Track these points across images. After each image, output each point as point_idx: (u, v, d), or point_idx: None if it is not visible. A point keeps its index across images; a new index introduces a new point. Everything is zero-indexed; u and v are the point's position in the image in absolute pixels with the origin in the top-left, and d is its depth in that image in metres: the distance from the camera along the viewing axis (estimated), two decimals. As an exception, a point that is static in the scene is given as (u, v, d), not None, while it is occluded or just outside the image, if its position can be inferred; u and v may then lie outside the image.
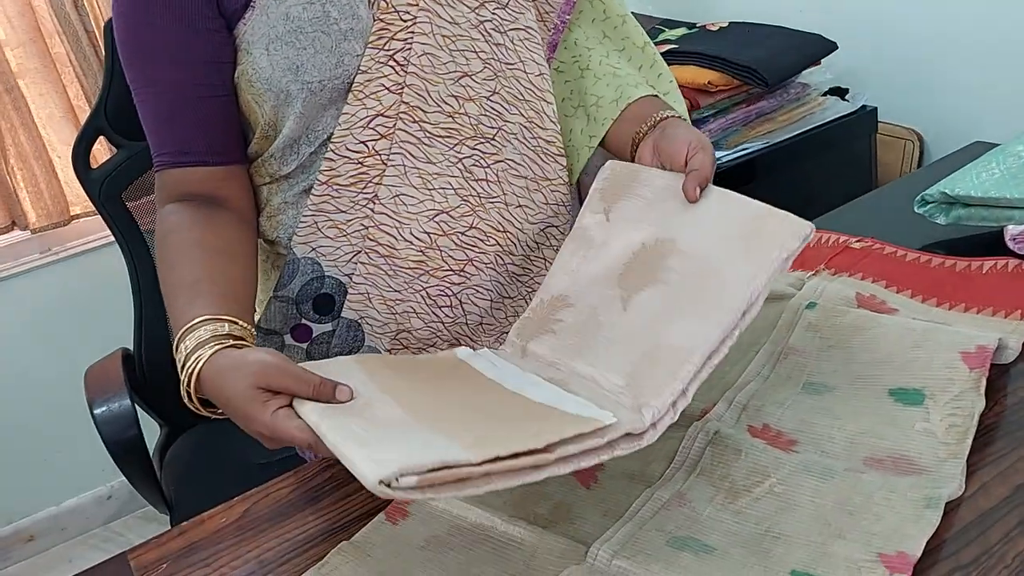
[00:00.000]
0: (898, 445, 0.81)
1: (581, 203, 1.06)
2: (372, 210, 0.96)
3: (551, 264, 0.92)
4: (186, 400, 0.80)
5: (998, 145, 1.25)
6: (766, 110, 1.75)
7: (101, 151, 1.50)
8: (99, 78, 1.94)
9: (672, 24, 1.96)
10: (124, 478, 1.31)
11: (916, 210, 1.19)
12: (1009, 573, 0.69)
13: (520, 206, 1.00)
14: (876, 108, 1.81)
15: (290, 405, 0.74)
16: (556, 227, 1.04)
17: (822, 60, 1.80)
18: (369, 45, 0.92)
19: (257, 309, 1.00)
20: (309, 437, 0.71)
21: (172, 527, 0.92)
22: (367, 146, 0.95)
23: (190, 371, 0.78)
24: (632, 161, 0.95)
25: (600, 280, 0.86)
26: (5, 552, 2.22)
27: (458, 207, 0.97)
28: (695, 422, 0.87)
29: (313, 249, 0.98)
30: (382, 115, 0.94)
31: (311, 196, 0.96)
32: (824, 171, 1.80)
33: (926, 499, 0.74)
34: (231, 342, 0.79)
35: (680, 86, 1.13)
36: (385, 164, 0.95)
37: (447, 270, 0.98)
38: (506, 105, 0.98)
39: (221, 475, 1.38)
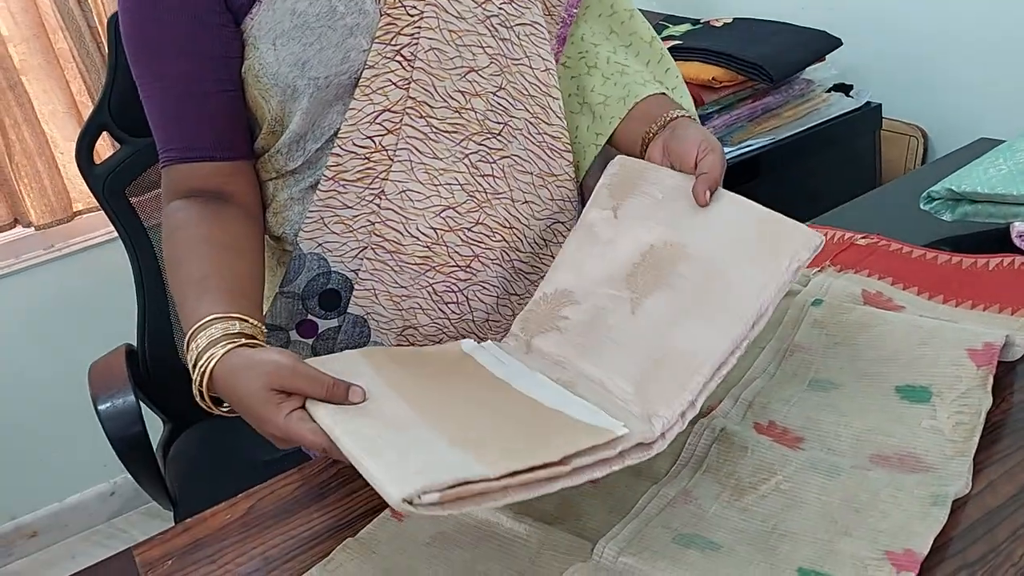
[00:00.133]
0: (905, 442, 0.81)
1: (585, 202, 1.06)
2: (378, 206, 0.96)
3: None
4: (198, 399, 0.79)
5: (1004, 142, 1.25)
6: (771, 106, 1.75)
7: (104, 147, 1.50)
8: (102, 74, 1.94)
9: (676, 20, 1.96)
10: (127, 474, 1.31)
11: (922, 207, 1.19)
12: (1016, 571, 0.69)
13: (526, 202, 1.00)
14: (880, 104, 1.81)
15: (303, 407, 0.74)
16: (562, 223, 1.03)
17: (826, 56, 1.79)
18: (376, 40, 0.92)
19: (263, 305, 1.00)
20: (323, 441, 0.71)
21: (176, 523, 0.92)
22: (374, 142, 0.94)
23: (203, 369, 0.77)
24: (643, 159, 0.95)
25: (607, 279, 0.86)
26: (8, 548, 2.22)
27: (464, 203, 0.97)
28: (701, 419, 0.86)
29: (319, 245, 0.98)
30: (389, 110, 0.94)
31: (317, 192, 0.96)
32: (828, 167, 1.80)
33: (933, 497, 0.74)
34: (243, 341, 0.79)
35: (684, 82, 1.13)
36: (391, 160, 0.95)
37: (453, 266, 0.98)
38: (512, 101, 0.98)
39: (225, 471, 1.37)
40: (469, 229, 0.98)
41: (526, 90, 0.99)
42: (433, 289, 0.98)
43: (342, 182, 0.95)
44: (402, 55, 0.93)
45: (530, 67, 0.99)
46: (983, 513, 0.74)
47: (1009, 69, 1.66)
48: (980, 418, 0.81)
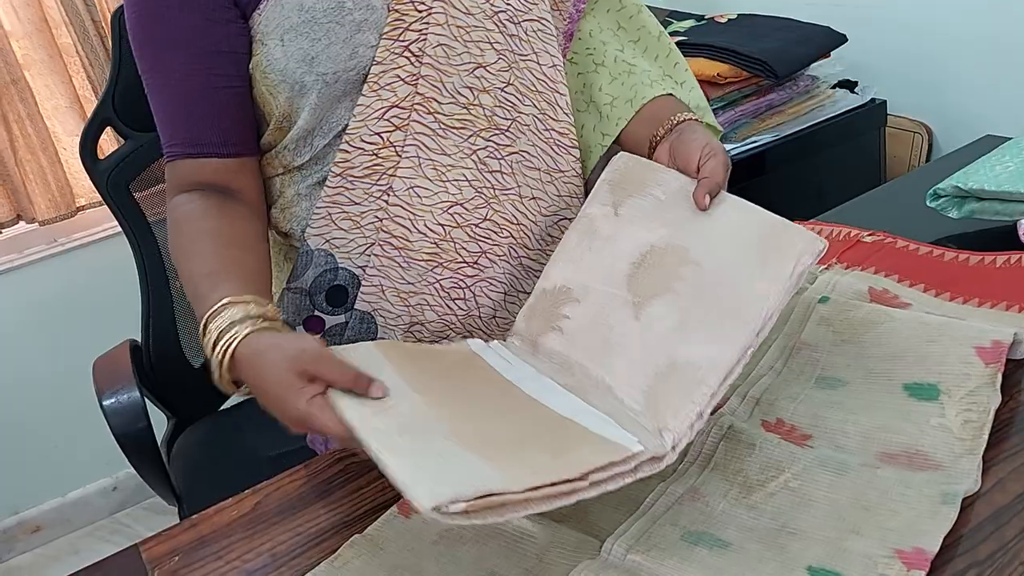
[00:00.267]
0: (913, 440, 0.81)
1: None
2: (386, 202, 0.96)
3: None
4: (216, 379, 0.79)
5: (1010, 139, 1.25)
6: (775, 103, 1.74)
7: (108, 142, 1.50)
8: (106, 68, 1.94)
9: (681, 16, 1.96)
10: (129, 469, 1.30)
11: (928, 204, 1.19)
12: (1026, 569, 0.69)
13: (534, 198, 1.00)
14: (885, 101, 1.81)
15: (323, 394, 0.74)
16: (568, 219, 1.03)
17: (831, 53, 1.79)
18: (384, 36, 0.92)
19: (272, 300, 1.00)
20: (342, 431, 0.71)
21: (181, 519, 0.92)
22: (381, 138, 0.94)
23: (225, 347, 0.77)
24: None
25: (606, 276, 0.86)
26: (10, 543, 2.22)
27: (472, 199, 0.97)
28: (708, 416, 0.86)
29: (327, 241, 0.97)
30: (397, 106, 0.94)
31: (325, 188, 0.96)
32: (833, 164, 1.80)
33: (942, 495, 0.74)
34: (265, 323, 0.79)
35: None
36: (399, 156, 0.95)
37: (460, 262, 0.98)
38: (520, 96, 0.98)
39: (229, 467, 1.37)
40: (477, 225, 0.97)
41: (534, 86, 0.99)
42: (440, 285, 0.98)
43: (350, 178, 0.95)
44: (410, 51, 0.93)
45: (538, 63, 0.99)
46: (992, 511, 0.74)
47: (1014, 66, 1.66)
48: (989, 416, 0.81)
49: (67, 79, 2.01)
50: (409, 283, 0.97)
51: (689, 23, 1.91)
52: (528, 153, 0.99)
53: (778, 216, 0.81)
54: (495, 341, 0.89)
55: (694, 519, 0.77)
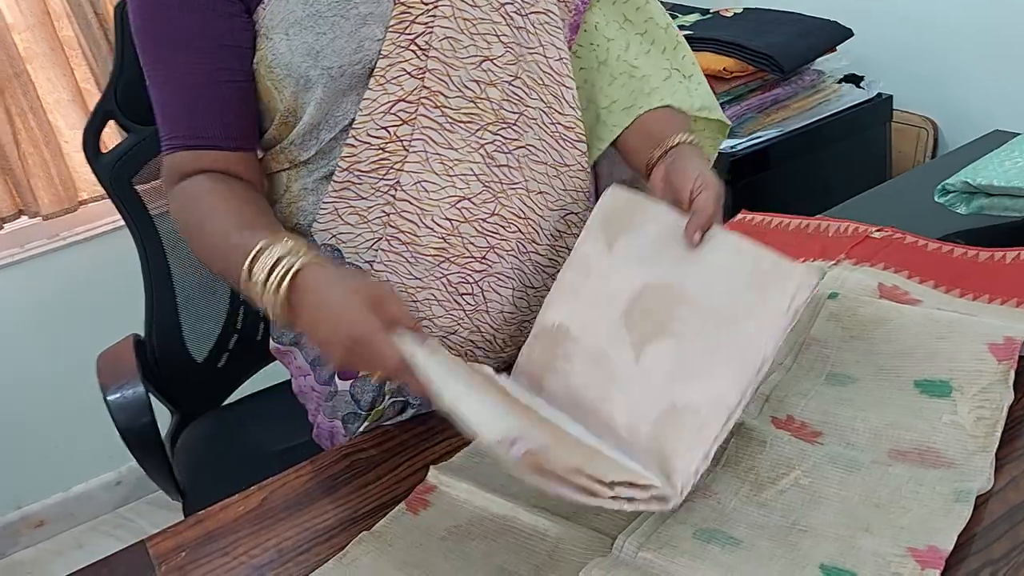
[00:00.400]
0: (925, 437, 0.80)
1: (596, 191, 1.05)
2: (394, 197, 0.95)
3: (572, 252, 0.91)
4: (269, 310, 0.80)
5: (1019, 135, 1.24)
6: (781, 97, 1.74)
7: (110, 135, 1.49)
8: (108, 61, 1.93)
9: (686, 10, 1.95)
10: (133, 463, 1.30)
11: (936, 199, 1.18)
12: (1041, 568, 0.68)
13: (541, 192, 0.99)
14: (891, 96, 1.80)
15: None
16: (575, 214, 1.03)
17: (837, 47, 1.79)
18: (390, 29, 0.91)
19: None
20: (397, 361, 0.74)
21: (185, 514, 0.92)
22: (388, 132, 0.93)
23: (284, 271, 0.78)
24: (647, 183, 0.95)
25: (602, 313, 0.86)
26: (15, 537, 2.22)
27: (480, 193, 0.96)
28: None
29: (333, 236, 0.97)
30: (403, 100, 0.93)
31: (332, 183, 0.95)
32: (839, 159, 1.79)
33: (955, 493, 0.73)
34: (313, 255, 0.80)
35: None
36: (406, 150, 0.94)
37: (468, 257, 0.97)
38: (527, 90, 0.97)
39: (233, 462, 1.37)
40: (484, 220, 0.97)
41: (540, 79, 0.98)
42: (448, 281, 0.97)
43: (356, 173, 0.95)
44: (416, 44, 0.92)
45: (544, 56, 0.98)
46: (1006, 509, 0.73)
47: (1019, 62, 1.65)
48: (1002, 413, 0.80)
49: (69, 72, 2.00)
50: (416, 278, 0.97)
51: (695, 17, 1.90)
52: (535, 147, 0.98)
53: (771, 251, 0.81)
54: (503, 375, 0.89)
55: (705, 516, 0.76)
